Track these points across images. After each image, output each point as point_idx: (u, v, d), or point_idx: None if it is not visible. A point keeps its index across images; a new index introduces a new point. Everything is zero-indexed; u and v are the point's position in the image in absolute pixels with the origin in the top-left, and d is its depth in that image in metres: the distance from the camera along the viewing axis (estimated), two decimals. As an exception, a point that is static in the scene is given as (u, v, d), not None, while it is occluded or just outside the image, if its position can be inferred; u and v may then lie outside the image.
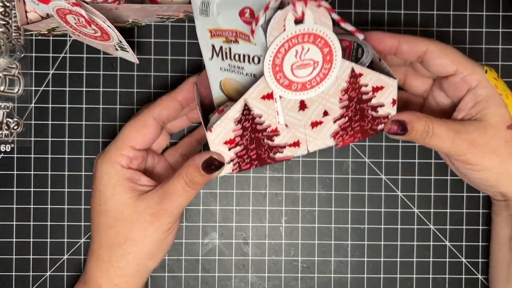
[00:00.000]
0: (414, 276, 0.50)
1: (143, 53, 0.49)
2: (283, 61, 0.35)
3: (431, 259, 0.50)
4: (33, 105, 0.49)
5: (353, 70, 0.38)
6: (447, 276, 0.50)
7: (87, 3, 0.39)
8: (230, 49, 0.38)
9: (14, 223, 0.49)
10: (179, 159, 0.47)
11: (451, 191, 0.50)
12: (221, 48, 0.38)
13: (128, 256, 0.41)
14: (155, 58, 0.49)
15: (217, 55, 0.39)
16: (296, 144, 0.40)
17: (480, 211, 0.50)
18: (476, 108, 0.41)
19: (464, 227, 0.50)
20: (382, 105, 0.40)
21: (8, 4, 0.48)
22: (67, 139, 0.49)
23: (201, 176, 0.39)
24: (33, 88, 0.49)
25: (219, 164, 0.39)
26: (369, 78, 0.38)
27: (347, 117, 0.40)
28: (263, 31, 0.35)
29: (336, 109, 0.39)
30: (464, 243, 0.50)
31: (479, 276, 0.50)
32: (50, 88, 0.49)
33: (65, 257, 0.49)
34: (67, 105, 0.49)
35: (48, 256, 0.49)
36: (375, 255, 0.50)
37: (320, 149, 0.42)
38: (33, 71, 0.49)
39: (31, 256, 0.49)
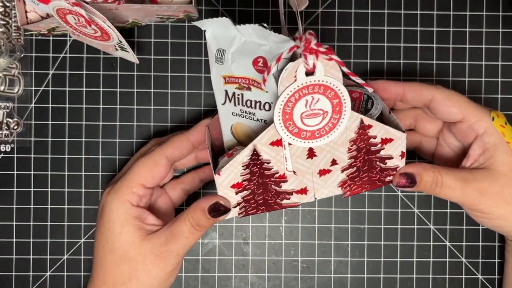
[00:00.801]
0: (414, 276, 0.50)
1: (143, 53, 0.49)
2: (293, 110, 0.36)
3: (431, 259, 0.50)
4: (33, 105, 0.49)
5: (362, 122, 0.38)
6: (447, 276, 0.50)
7: (87, 3, 0.39)
8: (242, 95, 0.39)
9: (14, 223, 0.49)
10: (181, 193, 0.47)
11: (451, 191, 0.50)
12: (233, 94, 0.39)
13: None
14: (155, 58, 0.49)
15: (230, 101, 0.40)
16: (304, 191, 0.40)
17: (480, 211, 0.50)
18: (484, 156, 0.41)
19: (464, 227, 0.50)
20: (390, 158, 0.40)
21: (8, 4, 0.48)
22: (67, 139, 0.49)
23: (207, 220, 0.39)
24: (33, 88, 0.49)
25: (225, 210, 0.39)
26: (378, 130, 0.39)
27: (355, 167, 0.40)
28: (275, 80, 0.36)
29: (344, 158, 0.39)
30: (464, 243, 0.50)
31: (479, 276, 0.50)
32: (50, 88, 0.49)
33: (65, 257, 0.49)
34: (67, 105, 0.49)
35: (48, 256, 0.49)
36: (375, 255, 0.50)
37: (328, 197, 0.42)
38: (33, 71, 0.49)
39: (31, 256, 0.49)
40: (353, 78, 0.36)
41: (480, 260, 0.50)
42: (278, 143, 0.37)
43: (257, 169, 0.38)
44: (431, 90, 0.41)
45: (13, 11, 0.48)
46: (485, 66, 0.50)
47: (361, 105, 0.42)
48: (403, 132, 0.39)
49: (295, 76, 0.34)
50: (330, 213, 0.50)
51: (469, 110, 0.41)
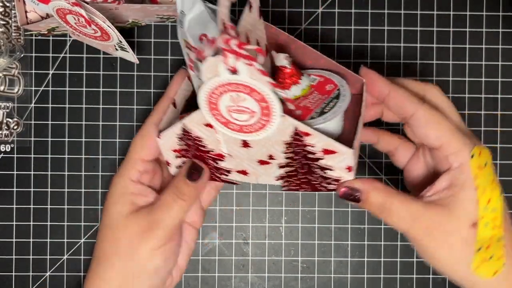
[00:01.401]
0: (414, 276, 0.50)
1: (143, 53, 0.49)
2: (219, 102, 0.34)
3: (431, 259, 0.50)
4: (33, 105, 0.49)
5: (296, 129, 0.34)
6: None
7: (87, 3, 0.39)
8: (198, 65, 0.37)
9: (14, 223, 0.49)
10: (200, 212, 0.45)
11: (451, 191, 0.50)
12: (192, 60, 0.38)
13: (113, 269, 0.39)
14: (155, 58, 0.49)
15: (196, 72, 0.39)
16: (244, 172, 0.39)
17: (480, 211, 0.50)
18: (448, 192, 0.37)
19: (464, 227, 0.50)
20: (331, 169, 0.36)
21: (8, 4, 0.48)
22: (67, 139, 0.49)
23: (187, 186, 0.39)
24: (33, 88, 0.49)
25: (198, 167, 0.39)
26: (317, 140, 0.35)
27: (293, 167, 0.38)
28: None
29: (281, 156, 0.37)
30: (464, 243, 0.50)
31: (479, 276, 0.50)
32: (50, 88, 0.49)
33: (65, 257, 0.49)
34: (67, 105, 0.49)
35: (48, 256, 0.49)
36: (375, 255, 0.50)
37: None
38: (33, 71, 0.49)
39: (31, 256, 0.49)
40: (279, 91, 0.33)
41: (480, 260, 0.50)
42: (210, 125, 0.36)
43: (192, 143, 0.38)
44: (415, 106, 0.37)
45: (13, 11, 0.48)
46: (485, 66, 0.50)
47: (325, 101, 0.38)
48: (350, 148, 0.34)
49: (218, 71, 0.32)
50: (330, 213, 0.50)
51: (450, 139, 0.37)
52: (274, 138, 0.35)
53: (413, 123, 0.38)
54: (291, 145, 0.36)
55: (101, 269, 0.40)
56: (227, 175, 0.40)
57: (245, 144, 0.36)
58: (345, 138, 0.38)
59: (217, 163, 0.39)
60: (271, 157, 0.37)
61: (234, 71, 0.32)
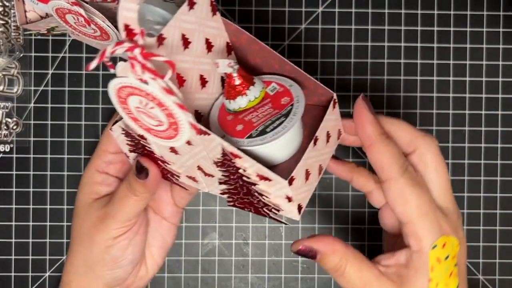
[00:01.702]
0: (415, 276, 0.50)
1: (143, 52, 0.49)
2: (127, 99, 0.31)
3: (431, 260, 0.50)
4: (32, 105, 0.49)
5: (224, 150, 0.31)
6: (447, 276, 0.50)
7: (86, 2, 0.39)
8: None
9: (14, 223, 0.49)
10: (173, 209, 0.45)
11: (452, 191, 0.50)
12: None
13: (78, 255, 0.41)
14: (154, 58, 0.49)
15: None
16: (193, 179, 0.36)
17: (481, 211, 0.50)
18: (403, 270, 0.35)
19: (464, 227, 0.50)
20: (267, 196, 0.33)
21: (7, 4, 0.48)
22: (66, 139, 0.49)
23: (137, 183, 0.38)
24: (33, 88, 0.49)
25: (143, 167, 0.37)
26: (250, 165, 0.31)
27: (233, 186, 0.34)
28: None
29: (216, 172, 0.34)
30: (464, 244, 0.50)
31: (480, 277, 0.50)
32: (50, 88, 0.49)
33: (64, 257, 0.49)
34: (66, 105, 0.49)
35: (48, 257, 0.49)
36: (375, 255, 0.50)
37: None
38: (33, 71, 0.49)
39: (30, 257, 0.49)
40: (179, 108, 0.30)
41: (480, 260, 0.50)
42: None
43: (137, 141, 0.36)
44: (393, 175, 0.34)
45: (12, 11, 0.48)
46: (486, 66, 0.50)
47: (273, 118, 0.34)
48: (285, 179, 0.30)
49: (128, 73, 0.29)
50: (330, 213, 0.50)
51: (414, 222, 0.34)
52: (200, 154, 0.33)
53: (384, 187, 0.35)
54: (223, 165, 0.32)
55: (71, 254, 0.41)
56: (178, 179, 0.37)
57: (172, 149, 0.34)
58: (295, 161, 0.33)
59: (165, 165, 0.36)
60: (208, 172, 0.34)
61: (143, 81, 0.29)
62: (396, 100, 0.49)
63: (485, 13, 0.50)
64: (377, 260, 0.37)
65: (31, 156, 0.49)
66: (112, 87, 0.31)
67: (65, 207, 0.49)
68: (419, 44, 0.49)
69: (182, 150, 0.33)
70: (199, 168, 0.34)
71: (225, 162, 0.32)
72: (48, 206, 0.49)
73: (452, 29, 0.50)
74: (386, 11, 0.49)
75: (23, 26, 0.44)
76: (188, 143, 0.32)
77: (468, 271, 0.49)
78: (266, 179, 0.31)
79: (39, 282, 0.49)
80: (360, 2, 0.49)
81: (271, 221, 0.50)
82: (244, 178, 0.32)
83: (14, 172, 0.49)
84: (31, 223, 0.49)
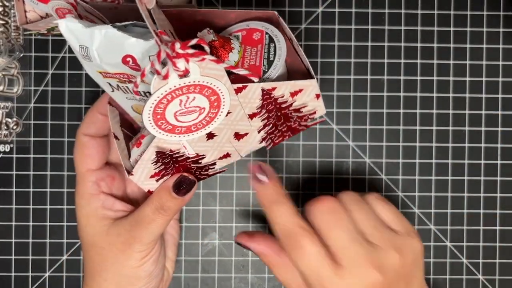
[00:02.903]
0: (415, 276, 0.50)
1: (143, 52, 0.49)
2: (165, 110, 0.33)
3: (431, 260, 0.50)
4: (32, 105, 0.49)
5: (263, 89, 0.35)
6: (447, 276, 0.50)
7: (86, 2, 0.39)
8: (127, 87, 0.36)
9: (13, 223, 0.49)
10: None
11: (452, 191, 0.50)
12: (118, 86, 0.37)
13: (105, 283, 0.40)
14: (154, 58, 0.49)
15: (118, 90, 0.37)
16: (226, 156, 0.39)
17: (481, 211, 0.50)
18: None
19: (465, 227, 0.50)
20: (304, 106, 0.38)
21: (7, 4, 0.48)
22: (66, 139, 0.49)
23: (172, 199, 0.38)
24: (33, 88, 0.49)
25: (190, 182, 0.38)
26: (284, 89, 0.36)
27: (270, 125, 0.39)
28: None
29: (253, 126, 0.38)
30: (465, 244, 0.50)
31: (480, 277, 0.50)
32: (50, 88, 0.49)
33: (64, 257, 0.49)
34: (66, 105, 0.49)
35: (47, 257, 0.49)
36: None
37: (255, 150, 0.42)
38: (33, 71, 0.49)
39: (30, 257, 0.49)
40: (234, 71, 0.34)
41: (481, 260, 0.50)
42: None
43: (169, 159, 0.37)
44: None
45: (12, 11, 0.48)
46: (486, 66, 0.50)
47: (263, 51, 0.38)
48: (313, 77, 0.36)
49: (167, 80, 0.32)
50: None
51: (307, 273, 0.36)
52: (238, 116, 0.36)
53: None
54: (262, 107, 0.36)
55: (94, 284, 0.41)
56: (213, 168, 0.40)
57: (210, 136, 0.37)
58: (297, 71, 0.39)
59: (200, 162, 0.38)
60: (241, 136, 0.38)
61: (185, 74, 0.31)
62: (396, 100, 0.49)
63: (485, 13, 0.50)
64: None
65: (31, 156, 0.49)
66: (148, 108, 0.32)
67: (65, 207, 0.49)
68: (419, 44, 0.49)
69: (220, 127, 0.36)
70: (236, 135, 0.38)
71: (264, 103, 0.36)
72: (48, 206, 0.49)
73: (452, 29, 0.49)
74: (386, 11, 0.49)
75: (23, 26, 0.44)
76: (228, 113, 0.35)
77: (468, 271, 0.49)
78: (299, 91, 0.37)
79: (39, 282, 0.49)
80: (360, 2, 0.49)
81: (271, 221, 0.50)
82: (283, 106, 0.37)
83: (14, 172, 0.49)
84: (31, 223, 0.49)
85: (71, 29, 0.34)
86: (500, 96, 0.50)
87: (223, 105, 0.34)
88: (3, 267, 0.49)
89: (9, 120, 0.48)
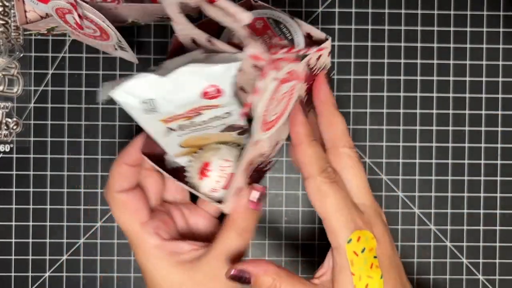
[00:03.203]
0: (415, 276, 0.50)
1: (143, 53, 0.49)
2: (268, 111, 0.33)
3: (431, 260, 0.50)
4: (32, 105, 0.49)
5: (307, 64, 0.35)
6: (447, 276, 0.50)
7: (86, 2, 0.39)
8: (192, 121, 0.35)
9: (13, 223, 0.49)
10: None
11: (452, 191, 0.50)
12: (180, 126, 0.36)
13: None
14: (155, 58, 0.49)
15: (176, 131, 0.36)
16: (276, 144, 0.40)
17: (481, 211, 0.50)
18: (332, 273, 0.37)
19: (465, 227, 0.50)
20: (325, 67, 0.39)
21: (7, 4, 0.48)
22: (66, 139, 0.49)
23: (252, 216, 0.38)
24: (33, 88, 0.49)
25: (264, 191, 0.38)
26: (314, 56, 0.36)
27: (306, 96, 0.39)
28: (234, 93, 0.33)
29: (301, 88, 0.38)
30: (465, 244, 0.50)
31: (480, 277, 0.50)
32: (50, 88, 0.49)
33: (64, 257, 0.49)
34: (66, 105, 0.49)
35: (47, 257, 0.49)
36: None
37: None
38: (33, 71, 0.49)
39: (30, 257, 0.49)
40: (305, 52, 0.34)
41: (481, 260, 0.50)
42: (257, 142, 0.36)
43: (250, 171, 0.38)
44: (311, 174, 0.36)
45: (12, 11, 0.48)
46: (486, 66, 0.50)
47: (276, 34, 0.37)
48: (326, 39, 0.37)
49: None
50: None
51: (330, 218, 0.36)
52: (295, 95, 0.36)
53: (305, 184, 0.37)
54: (307, 77, 0.37)
55: None
56: (271, 162, 0.40)
57: (278, 118, 0.37)
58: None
59: (262, 166, 0.39)
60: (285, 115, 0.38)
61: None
62: (396, 100, 0.49)
63: (485, 13, 0.50)
64: (314, 277, 0.38)
65: (31, 156, 0.49)
66: (259, 118, 0.33)
67: (65, 207, 0.49)
68: (419, 44, 0.49)
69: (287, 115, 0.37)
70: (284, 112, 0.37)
71: (308, 73, 0.36)
72: (48, 206, 0.49)
73: (452, 29, 0.49)
74: (386, 11, 0.49)
75: (23, 26, 0.44)
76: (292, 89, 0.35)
77: (468, 271, 0.49)
78: (321, 55, 0.37)
79: (39, 282, 0.49)
80: (360, 2, 0.49)
81: (271, 221, 0.50)
82: (313, 74, 0.37)
83: (14, 172, 0.49)
84: (31, 223, 0.49)
85: (130, 91, 0.32)
86: (500, 96, 0.50)
87: (295, 88, 0.35)
88: (3, 267, 0.49)
89: (9, 120, 0.48)
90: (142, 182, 0.41)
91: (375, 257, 0.36)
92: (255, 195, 0.37)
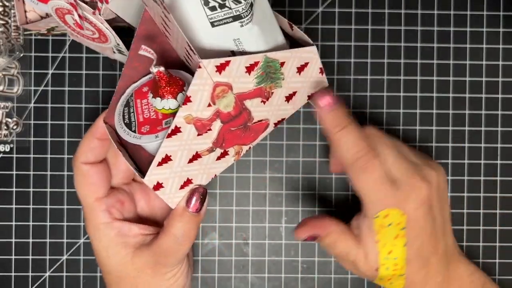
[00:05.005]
0: (415, 276, 0.50)
1: (143, 53, 0.49)
2: None
3: (431, 260, 0.50)
4: (32, 105, 0.49)
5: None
6: (447, 276, 0.50)
7: (86, 3, 0.39)
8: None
9: (14, 223, 0.49)
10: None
11: (452, 191, 0.50)
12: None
13: None
14: (154, 58, 0.49)
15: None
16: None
17: (481, 211, 0.50)
18: (361, 233, 0.41)
19: (465, 227, 0.50)
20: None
21: (7, 4, 0.48)
22: (66, 139, 0.49)
23: (191, 220, 0.38)
24: (33, 88, 0.49)
25: (202, 192, 0.38)
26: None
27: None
28: None
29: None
30: (465, 244, 0.50)
31: (480, 277, 0.50)
32: (50, 88, 0.49)
33: (64, 257, 0.49)
34: (66, 105, 0.49)
35: (48, 257, 0.49)
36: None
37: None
38: (33, 71, 0.49)
39: (30, 257, 0.49)
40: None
41: (481, 260, 0.50)
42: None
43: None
44: (348, 159, 0.40)
45: (12, 11, 0.48)
46: (486, 66, 0.50)
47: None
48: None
49: None
50: (331, 213, 0.50)
51: (365, 194, 0.40)
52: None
53: (345, 161, 0.40)
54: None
55: None
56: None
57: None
58: None
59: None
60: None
61: None
62: (396, 100, 0.49)
63: (485, 13, 0.50)
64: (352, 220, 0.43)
65: (31, 156, 0.49)
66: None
67: (65, 207, 0.49)
68: (419, 44, 0.49)
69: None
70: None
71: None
72: (48, 206, 0.49)
73: (452, 29, 0.49)
74: (386, 11, 0.49)
75: (23, 26, 0.44)
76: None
77: (468, 271, 0.49)
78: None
79: (39, 282, 0.49)
80: (360, 2, 0.49)
81: (271, 221, 0.50)
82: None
83: (14, 172, 0.49)
84: (31, 223, 0.49)
85: None
86: (500, 96, 0.50)
87: None
88: (3, 267, 0.49)
89: (9, 120, 0.49)
90: (111, 158, 0.42)
91: (402, 228, 0.39)
92: (193, 199, 0.38)
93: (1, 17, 0.48)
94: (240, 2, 0.34)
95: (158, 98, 0.36)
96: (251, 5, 0.35)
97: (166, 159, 0.35)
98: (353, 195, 0.50)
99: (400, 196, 0.39)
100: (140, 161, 0.38)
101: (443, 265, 0.41)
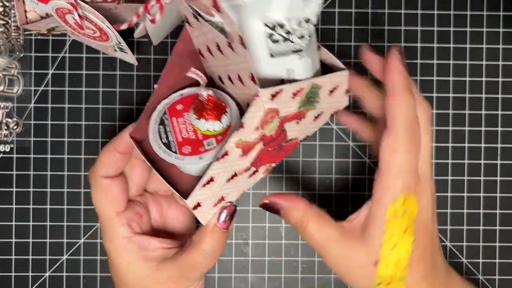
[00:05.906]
0: (415, 276, 0.50)
1: (143, 53, 0.49)
2: None
3: (431, 260, 0.50)
4: (32, 105, 0.49)
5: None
6: (447, 276, 0.50)
7: (86, 2, 0.39)
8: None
9: (14, 223, 0.49)
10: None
11: (452, 191, 0.50)
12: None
13: None
14: (155, 58, 0.49)
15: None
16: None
17: (481, 211, 0.50)
18: (365, 222, 0.37)
19: (465, 227, 0.50)
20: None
21: (7, 4, 0.48)
22: (66, 139, 0.49)
23: (221, 236, 0.38)
24: (33, 88, 0.49)
25: (234, 209, 0.38)
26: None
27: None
28: None
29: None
30: (464, 244, 0.50)
31: (480, 277, 0.50)
32: (50, 88, 0.49)
33: (65, 257, 0.49)
34: (66, 105, 0.49)
35: (48, 257, 0.49)
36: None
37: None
38: (33, 71, 0.49)
39: (30, 257, 0.49)
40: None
41: (480, 260, 0.50)
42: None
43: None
44: (393, 124, 0.36)
45: (12, 11, 0.48)
46: (486, 66, 0.50)
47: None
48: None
49: None
50: (331, 213, 0.49)
51: (390, 172, 0.36)
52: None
53: (385, 133, 0.37)
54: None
55: None
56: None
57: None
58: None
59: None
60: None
61: None
62: (396, 100, 0.49)
63: (485, 13, 0.50)
64: (346, 220, 0.38)
65: (31, 156, 0.49)
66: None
67: (65, 207, 0.49)
68: (419, 44, 0.49)
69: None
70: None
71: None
72: (48, 206, 0.49)
73: (452, 29, 0.49)
74: (386, 11, 0.49)
75: (23, 26, 0.44)
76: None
77: (468, 271, 0.49)
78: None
79: (39, 282, 0.49)
80: (360, 2, 0.49)
81: (271, 221, 0.50)
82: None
83: (14, 172, 0.49)
84: (31, 223, 0.49)
85: None
86: (500, 96, 0.50)
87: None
88: (3, 267, 0.49)
89: (9, 120, 0.49)
90: (128, 171, 0.41)
91: (413, 220, 0.37)
92: (223, 215, 0.38)
93: (1, 17, 0.48)
94: (303, 37, 0.35)
95: (202, 120, 0.36)
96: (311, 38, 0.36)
97: (210, 180, 0.36)
98: (353, 195, 0.50)
99: (420, 188, 0.37)
100: (170, 178, 0.38)
101: (444, 279, 0.39)
